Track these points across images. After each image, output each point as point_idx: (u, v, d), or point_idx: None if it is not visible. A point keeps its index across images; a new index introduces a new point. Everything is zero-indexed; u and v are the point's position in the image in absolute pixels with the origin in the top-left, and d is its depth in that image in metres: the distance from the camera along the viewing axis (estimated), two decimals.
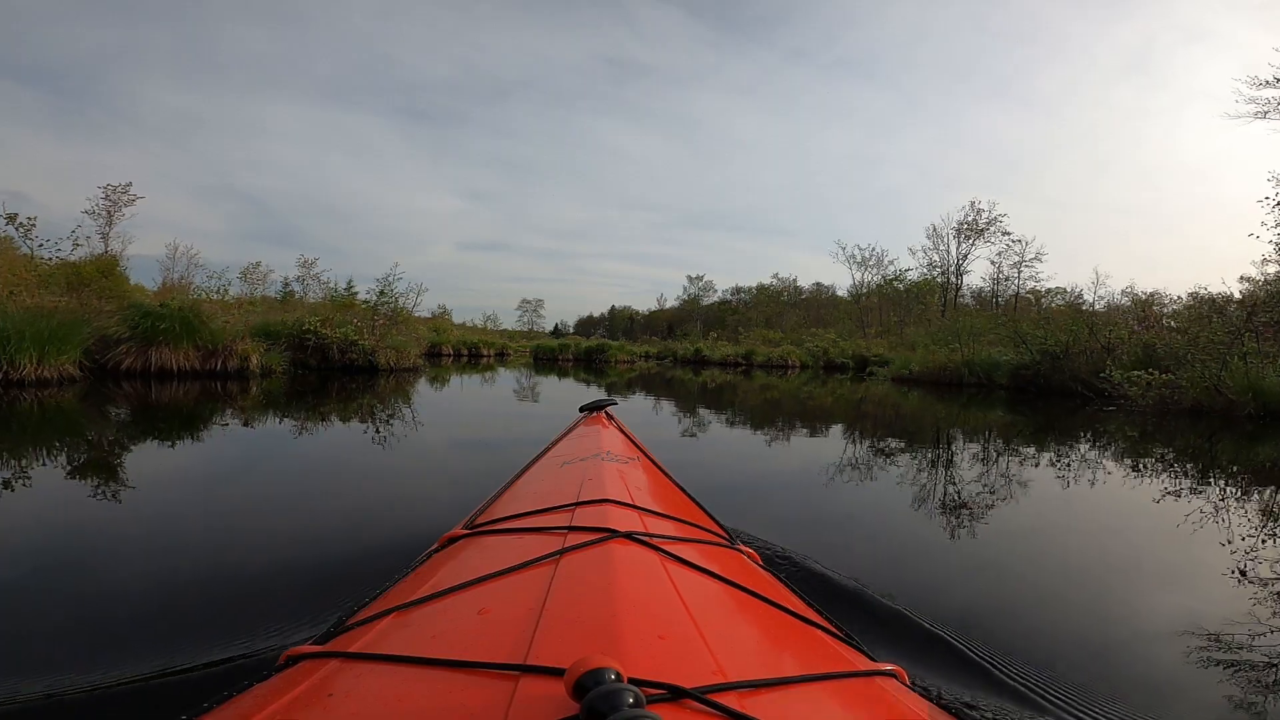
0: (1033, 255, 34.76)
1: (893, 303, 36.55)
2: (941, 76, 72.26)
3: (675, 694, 0.52)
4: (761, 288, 50.83)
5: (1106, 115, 62.04)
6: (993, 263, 35.34)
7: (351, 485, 3.06)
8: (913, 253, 41.43)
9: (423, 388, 9.51)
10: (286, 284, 16.17)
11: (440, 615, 0.77)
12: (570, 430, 2.26)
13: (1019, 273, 35.63)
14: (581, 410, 2.57)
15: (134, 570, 1.83)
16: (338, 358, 11.39)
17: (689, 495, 1.58)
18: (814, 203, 78.21)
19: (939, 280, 36.70)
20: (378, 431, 4.89)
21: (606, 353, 23.65)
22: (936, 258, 36.73)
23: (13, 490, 2.71)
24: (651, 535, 0.98)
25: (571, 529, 1.00)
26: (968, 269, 36.65)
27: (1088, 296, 21.22)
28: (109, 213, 17.13)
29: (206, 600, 1.63)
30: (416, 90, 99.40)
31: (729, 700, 0.54)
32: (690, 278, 55.11)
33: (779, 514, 2.87)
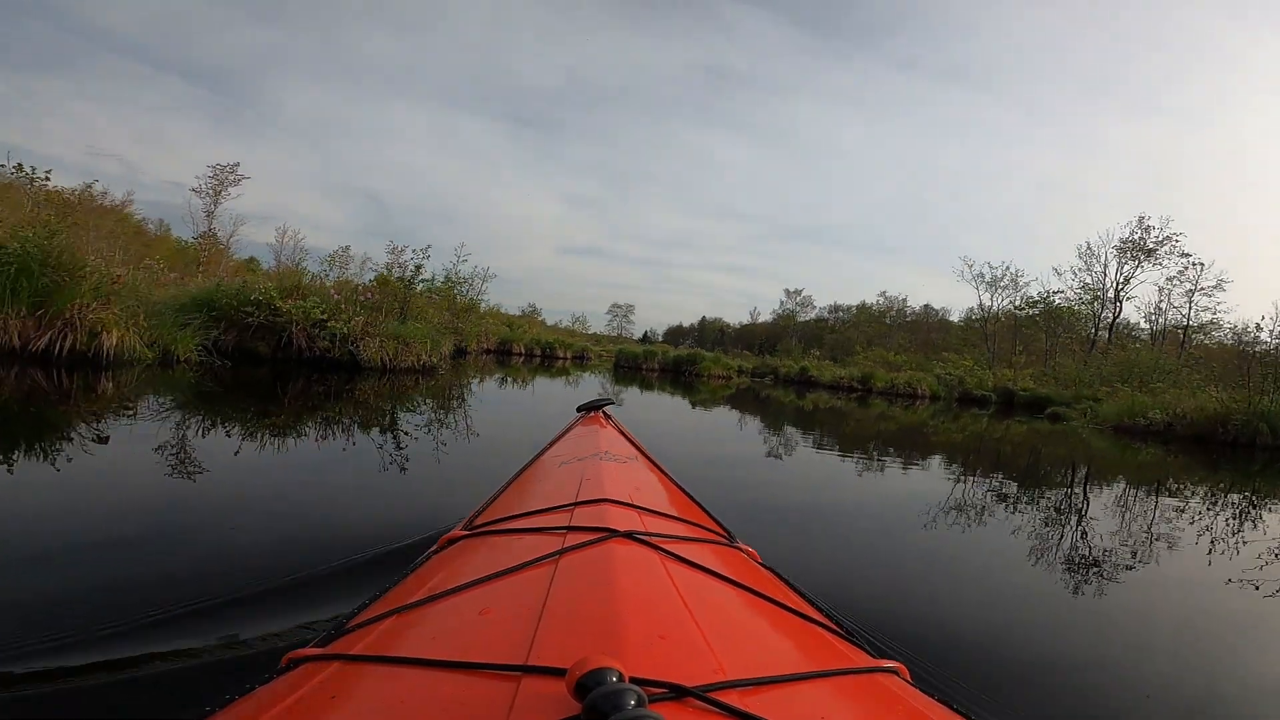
0: (1212, 282, 28.97)
1: (1023, 329, 32.51)
2: (1070, 86, 68.74)
3: (677, 693, 0.52)
4: (863, 307, 47.43)
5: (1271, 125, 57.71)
6: (1161, 288, 30.76)
7: (349, 487, 2.89)
8: (1059, 273, 35.35)
9: (412, 405, 6.05)
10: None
11: (441, 616, 0.75)
12: (568, 430, 2.17)
13: (1191, 302, 29.65)
14: (579, 410, 2.47)
15: (131, 572, 1.75)
16: (305, 347, 7.78)
17: (688, 494, 1.52)
18: (921, 218, 73.59)
19: (1092, 306, 31.58)
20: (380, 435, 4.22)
21: (699, 365, 18.70)
22: (1090, 280, 31.63)
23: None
24: (651, 534, 0.94)
25: (571, 529, 0.96)
26: (1130, 294, 31.27)
27: (1265, 337, 15.59)
28: (215, 191, 16.83)
29: (207, 604, 1.56)
30: (525, 97, 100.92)
31: (731, 699, 0.54)
32: (788, 291, 52.26)
33: None
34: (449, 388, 7.77)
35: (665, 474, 1.73)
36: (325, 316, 7.63)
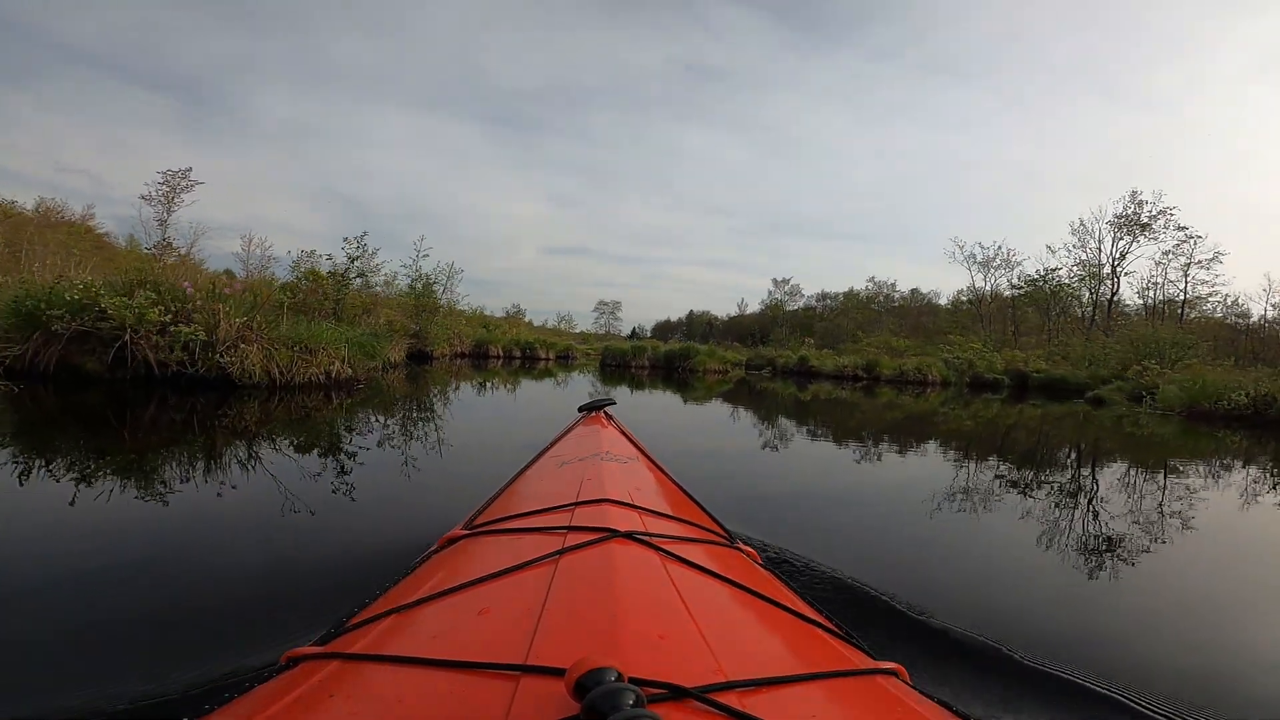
0: (1209, 255, 28.18)
1: (1019, 308, 31.60)
2: (1041, 75, 70.33)
3: (676, 693, 0.52)
4: (850, 294, 46.08)
5: (1240, 112, 57.31)
6: (1158, 263, 29.37)
7: (350, 487, 2.80)
8: (1053, 251, 32.46)
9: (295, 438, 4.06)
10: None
11: (440, 616, 0.75)
12: (569, 430, 2.16)
13: (1187, 275, 28.75)
14: (580, 410, 2.47)
15: (134, 572, 1.76)
16: (156, 361, 5.41)
17: (689, 495, 1.51)
18: (903, 207, 74.01)
19: (1088, 283, 30.27)
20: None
21: (693, 359, 16.18)
22: (1084, 256, 30.68)
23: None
24: (651, 535, 0.94)
25: (571, 529, 0.95)
26: (1128, 269, 30.23)
27: (1255, 309, 14.11)
28: (168, 199, 14.30)
29: (207, 602, 1.59)
30: (503, 98, 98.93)
31: (730, 699, 0.54)
32: (776, 281, 55.74)
33: None
34: (365, 409, 5.51)
35: (666, 475, 1.72)
36: (168, 318, 5.26)
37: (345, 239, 9.66)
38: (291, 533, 2.16)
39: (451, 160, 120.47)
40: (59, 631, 1.41)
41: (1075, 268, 30.73)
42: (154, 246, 16.13)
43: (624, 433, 2.23)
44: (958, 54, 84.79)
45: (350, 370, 6.88)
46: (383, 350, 8.39)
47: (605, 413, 2.48)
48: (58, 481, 2.69)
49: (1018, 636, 1.70)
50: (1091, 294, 30.58)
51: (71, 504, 2.32)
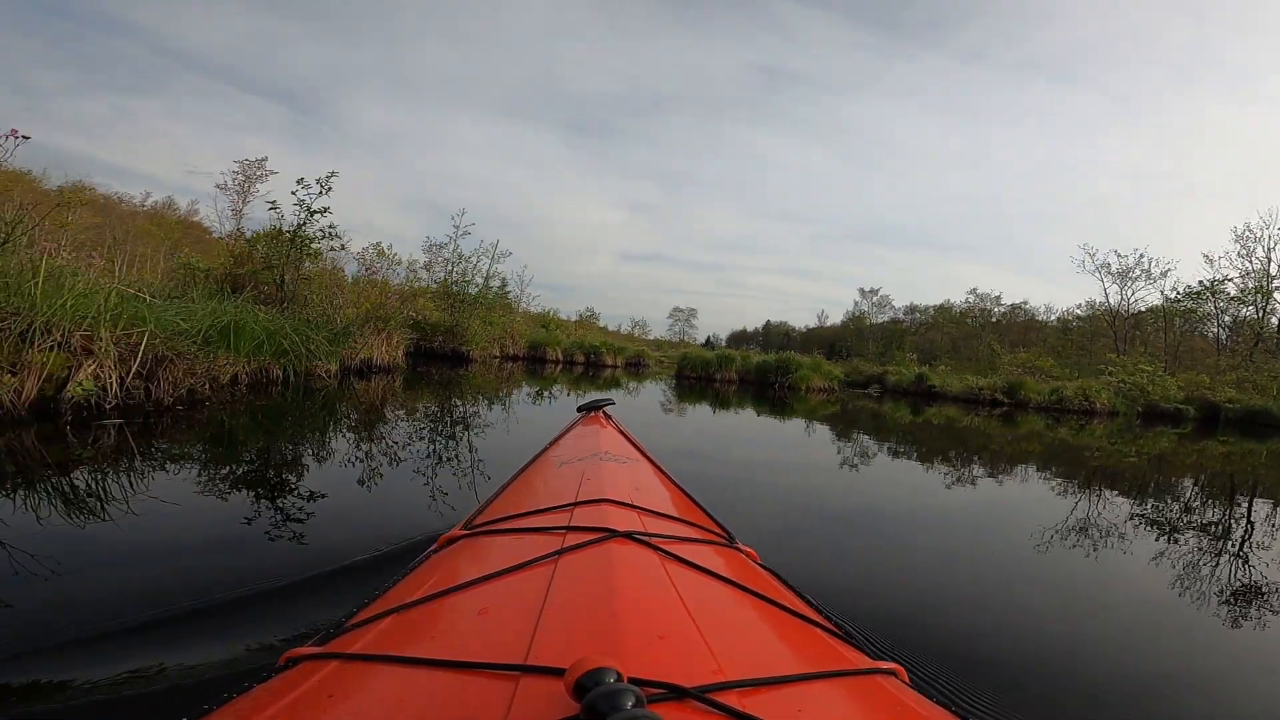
0: None
1: (1167, 323, 27.06)
2: (1156, 74, 55.22)
3: (676, 693, 0.52)
4: (943, 307, 41.55)
5: None
6: None
7: (349, 486, 2.69)
8: (1210, 261, 30.45)
9: None
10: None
11: (440, 616, 0.74)
12: (568, 430, 2.10)
13: None
14: (579, 410, 2.38)
15: (132, 571, 1.71)
16: None
17: (688, 495, 1.46)
18: (999, 215, 63.65)
19: (1254, 296, 24.44)
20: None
21: (793, 374, 17.01)
22: (1249, 266, 25.24)
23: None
24: (651, 535, 0.90)
25: (570, 529, 0.92)
26: None
27: None
28: (243, 188, 13.77)
29: (206, 602, 1.54)
30: (583, 106, 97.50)
31: (729, 699, 0.53)
32: (863, 291, 52.77)
33: None
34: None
35: (665, 474, 1.67)
36: None
37: (299, 180, 6.37)
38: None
39: (533, 168, 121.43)
40: (57, 628, 1.38)
41: (1240, 279, 26.60)
42: (227, 236, 14.05)
43: (623, 433, 2.15)
44: (1052, 54, 76.14)
45: (115, 380, 3.20)
46: (324, 347, 5.20)
47: (604, 413, 2.36)
48: None
49: None
50: (1259, 310, 26.11)
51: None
